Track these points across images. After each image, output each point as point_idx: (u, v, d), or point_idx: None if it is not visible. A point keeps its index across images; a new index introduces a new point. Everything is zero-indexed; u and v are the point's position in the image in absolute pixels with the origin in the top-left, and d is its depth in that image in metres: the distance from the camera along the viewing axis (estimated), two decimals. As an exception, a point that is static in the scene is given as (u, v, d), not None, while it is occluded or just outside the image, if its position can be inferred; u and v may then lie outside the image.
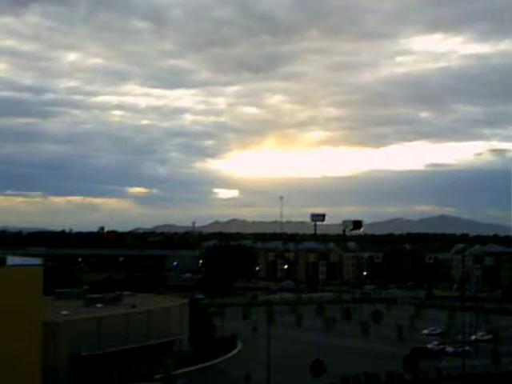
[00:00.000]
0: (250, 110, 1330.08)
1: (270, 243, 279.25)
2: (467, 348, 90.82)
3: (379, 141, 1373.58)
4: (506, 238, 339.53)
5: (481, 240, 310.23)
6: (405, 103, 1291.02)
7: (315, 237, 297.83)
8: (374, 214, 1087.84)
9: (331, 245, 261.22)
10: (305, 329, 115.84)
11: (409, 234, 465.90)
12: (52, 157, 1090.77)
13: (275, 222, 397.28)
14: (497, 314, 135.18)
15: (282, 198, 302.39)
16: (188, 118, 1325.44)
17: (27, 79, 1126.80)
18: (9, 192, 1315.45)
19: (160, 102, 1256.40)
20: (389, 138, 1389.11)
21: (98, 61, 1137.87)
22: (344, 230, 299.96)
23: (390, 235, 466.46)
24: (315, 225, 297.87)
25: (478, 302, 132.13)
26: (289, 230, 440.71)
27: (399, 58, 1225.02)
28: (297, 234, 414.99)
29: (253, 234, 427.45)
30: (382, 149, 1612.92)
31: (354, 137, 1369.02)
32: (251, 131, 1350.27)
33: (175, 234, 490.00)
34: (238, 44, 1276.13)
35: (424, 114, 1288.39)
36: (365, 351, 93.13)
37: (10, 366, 55.87)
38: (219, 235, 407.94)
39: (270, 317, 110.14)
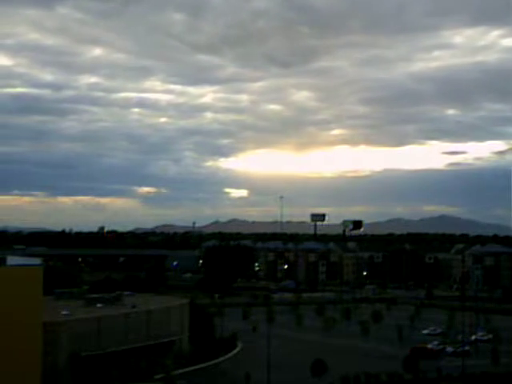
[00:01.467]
0: (273, 108, 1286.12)
1: (270, 243, 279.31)
2: (467, 348, 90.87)
3: (399, 140, 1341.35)
4: (506, 237, 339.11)
5: (481, 240, 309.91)
6: (433, 100, 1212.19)
7: (315, 237, 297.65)
8: (377, 214, 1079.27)
9: (331, 245, 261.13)
10: (305, 329, 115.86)
11: (409, 234, 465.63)
12: (64, 156, 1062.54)
13: (275, 222, 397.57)
14: (497, 313, 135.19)
15: (281, 197, 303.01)
16: (207, 115, 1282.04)
17: (48, 75, 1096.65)
18: (15, 192, 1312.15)
19: (180, 99, 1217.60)
20: (410, 136, 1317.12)
21: (121, 56, 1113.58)
22: (344, 230, 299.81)
23: (390, 235, 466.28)
24: (315, 225, 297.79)
25: (478, 302, 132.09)
26: (289, 230, 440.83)
27: (436, 53, 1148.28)
28: (297, 234, 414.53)
29: (253, 234, 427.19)
30: (400, 148, 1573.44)
31: (374, 135, 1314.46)
32: (270, 129, 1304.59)
33: (175, 233, 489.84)
34: (272, 37, 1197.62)
35: (450, 112, 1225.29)
36: (365, 351, 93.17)
37: (10, 366, 55.88)
38: (219, 235, 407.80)
39: (269, 317, 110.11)
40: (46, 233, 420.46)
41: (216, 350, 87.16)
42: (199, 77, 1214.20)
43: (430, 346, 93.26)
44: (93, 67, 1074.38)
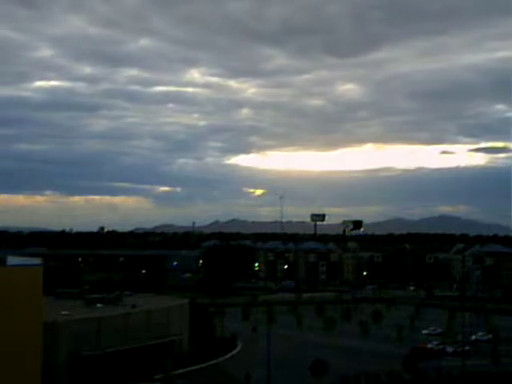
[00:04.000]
0: (312, 103, 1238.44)
1: (270, 243, 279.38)
2: (467, 348, 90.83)
3: (437, 137, 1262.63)
4: (506, 237, 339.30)
5: (481, 240, 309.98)
6: (485, 94, 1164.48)
7: (315, 237, 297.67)
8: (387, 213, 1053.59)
9: (331, 245, 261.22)
10: (305, 329, 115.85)
11: (409, 234, 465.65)
12: (85, 154, 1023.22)
13: (275, 222, 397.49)
14: (497, 313, 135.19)
15: (281, 197, 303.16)
16: (243, 112, 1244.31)
17: (86, 67, 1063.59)
18: (29, 191, 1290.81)
19: (218, 94, 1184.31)
20: (451, 132, 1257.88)
21: (168, 46, 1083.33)
22: (344, 230, 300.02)
23: (390, 235, 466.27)
24: (315, 225, 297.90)
25: (478, 302, 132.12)
26: (289, 230, 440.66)
27: (497, 44, 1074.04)
28: (297, 234, 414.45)
29: (253, 234, 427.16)
30: (433, 146, 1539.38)
31: (412, 132, 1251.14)
32: (305, 125, 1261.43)
33: (175, 233, 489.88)
34: (339, 24, 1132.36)
35: (499, 107, 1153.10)
36: (365, 351, 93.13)
37: (10, 365, 55.86)
38: (219, 235, 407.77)
39: (269, 317, 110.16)
40: (46, 233, 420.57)
41: (216, 349, 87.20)
42: (244, 69, 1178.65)
43: (429, 345, 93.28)
44: (135, 59, 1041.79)
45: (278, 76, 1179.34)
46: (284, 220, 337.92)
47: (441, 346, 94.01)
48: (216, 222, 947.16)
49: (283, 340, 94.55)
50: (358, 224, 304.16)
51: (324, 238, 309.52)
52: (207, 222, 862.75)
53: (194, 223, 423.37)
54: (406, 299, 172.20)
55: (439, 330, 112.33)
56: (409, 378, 72.05)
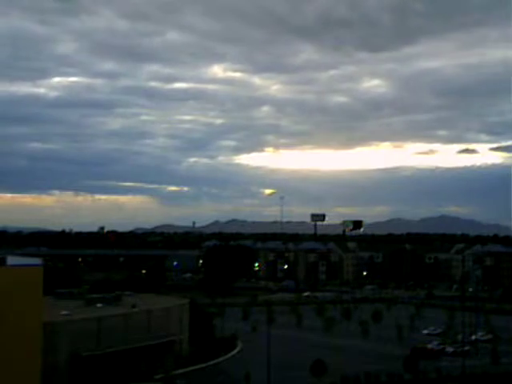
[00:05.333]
0: (335, 100, 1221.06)
1: (270, 243, 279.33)
2: (467, 348, 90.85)
3: (457, 137, 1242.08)
4: (506, 238, 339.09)
5: (481, 240, 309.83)
6: None
7: (315, 237, 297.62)
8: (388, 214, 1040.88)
9: (331, 245, 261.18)
10: (305, 329, 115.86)
11: (409, 234, 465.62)
12: (95, 153, 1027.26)
13: (275, 222, 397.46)
14: (497, 313, 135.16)
15: (282, 197, 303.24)
16: (263, 109, 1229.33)
17: (108, 63, 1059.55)
18: (36, 191, 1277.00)
19: (240, 91, 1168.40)
20: (473, 130, 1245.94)
21: (194, 40, 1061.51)
22: (344, 230, 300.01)
23: (390, 235, 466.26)
24: (315, 225, 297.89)
25: (478, 302, 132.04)
26: (289, 230, 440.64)
27: None
28: (297, 234, 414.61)
29: (253, 234, 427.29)
30: (453, 145, 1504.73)
31: (434, 130, 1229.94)
32: (325, 124, 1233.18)
33: (175, 233, 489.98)
34: (380, 17, 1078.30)
35: None
36: (365, 351, 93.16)
37: (10, 365, 55.85)
38: (219, 235, 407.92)
39: (269, 317, 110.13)
40: (45, 233, 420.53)
41: (216, 350, 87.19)
42: (270, 64, 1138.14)
43: (429, 346, 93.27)
44: (158, 53, 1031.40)
45: (303, 72, 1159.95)
46: (284, 220, 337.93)
47: (441, 346, 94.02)
48: (216, 222, 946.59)
49: (283, 340, 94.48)
50: (357, 224, 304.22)
51: (324, 238, 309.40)
52: (207, 222, 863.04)
53: (194, 223, 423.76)
54: (405, 299, 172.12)
55: (439, 330, 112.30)
56: (409, 377, 72.09)
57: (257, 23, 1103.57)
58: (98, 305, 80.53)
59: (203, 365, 79.91)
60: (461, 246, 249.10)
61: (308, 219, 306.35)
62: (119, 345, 71.07)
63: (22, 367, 56.91)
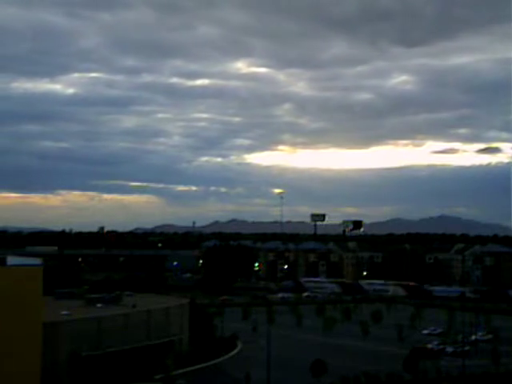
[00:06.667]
0: (360, 97, 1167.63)
1: (270, 243, 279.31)
2: (467, 348, 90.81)
3: (477, 136, 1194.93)
4: (506, 237, 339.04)
5: (481, 240, 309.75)
6: None
7: (315, 237, 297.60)
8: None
9: (331, 245, 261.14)
10: (305, 329, 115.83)
11: (409, 234, 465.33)
12: (107, 152, 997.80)
13: (275, 222, 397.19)
14: (497, 313, 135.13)
15: (282, 197, 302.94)
16: (284, 107, 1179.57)
17: (130, 58, 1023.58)
18: (42, 190, 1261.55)
19: (263, 87, 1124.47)
20: (495, 128, 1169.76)
21: (223, 33, 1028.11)
22: (344, 230, 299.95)
23: (390, 235, 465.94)
24: (315, 225, 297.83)
25: (478, 302, 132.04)
26: (289, 230, 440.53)
27: None
28: (297, 234, 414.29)
29: (253, 234, 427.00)
30: (473, 145, 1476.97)
31: (456, 128, 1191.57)
32: (345, 122, 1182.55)
33: (175, 233, 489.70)
34: (420, 9, 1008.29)
35: None
36: (365, 351, 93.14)
37: (10, 365, 55.84)
38: (219, 235, 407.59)
39: (269, 317, 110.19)
40: (45, 233, 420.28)
41: (216, 350, 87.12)
42: (297, 59, 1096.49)
43: (429, 345, 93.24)
44: (183, 48, 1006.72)
45: (330, 67, 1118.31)
46: (284, 220, 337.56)
47: (441, 346, 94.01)
48: (216, 222, 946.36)
49: (283, 340, 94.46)
50: (357, 224, 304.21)
51: (324, 238, 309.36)
52: (207, 222, 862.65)
53: (193, 223, 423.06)
54: (406, 299, 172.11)
55: (439, 330, 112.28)
56: (409, 378, 72.06)
57: (293, 15, 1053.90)
58: (98, 305, 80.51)
59: (203, 365, 79.82)
60: (461, 246, 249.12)
61: (308, 219, 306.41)
62: (119, 345, 71.03)
63: (21, 367, 56.92)
